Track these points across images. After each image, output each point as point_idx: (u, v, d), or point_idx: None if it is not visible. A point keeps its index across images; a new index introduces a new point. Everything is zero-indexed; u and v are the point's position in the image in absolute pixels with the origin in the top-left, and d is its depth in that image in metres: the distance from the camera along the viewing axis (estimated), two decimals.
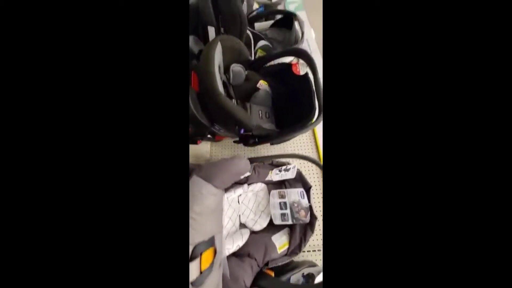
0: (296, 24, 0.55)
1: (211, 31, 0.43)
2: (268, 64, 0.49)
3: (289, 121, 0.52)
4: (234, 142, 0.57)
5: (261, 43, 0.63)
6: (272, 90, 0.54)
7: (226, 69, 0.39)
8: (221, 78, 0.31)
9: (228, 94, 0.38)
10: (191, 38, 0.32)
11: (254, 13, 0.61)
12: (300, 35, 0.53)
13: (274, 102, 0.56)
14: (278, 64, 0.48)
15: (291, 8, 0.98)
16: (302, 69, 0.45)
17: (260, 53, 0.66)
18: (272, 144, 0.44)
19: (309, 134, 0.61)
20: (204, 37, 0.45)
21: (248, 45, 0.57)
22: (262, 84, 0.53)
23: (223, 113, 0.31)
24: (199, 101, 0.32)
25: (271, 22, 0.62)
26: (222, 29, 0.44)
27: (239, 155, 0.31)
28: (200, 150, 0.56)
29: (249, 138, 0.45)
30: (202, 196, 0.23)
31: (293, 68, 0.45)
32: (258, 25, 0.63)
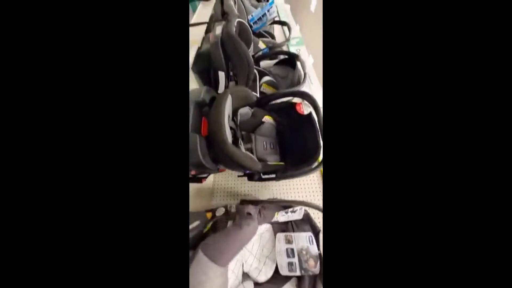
0: (298, 64, 0.60)
1: (221, 75, 0.46)
2: (273, 101, 0.52)
3: (294, 153, 0.52)
4: (239, 176, 0.57)
5: (266, 78, 0.68)
6: (277, 123, 0.56)
7: (235, 113, 0.41)
8: (229, 126, 0.32)
9: (235, 136, 0.39)
10: (204, 88, 0.35)
11: (260, 53, 0.66)
12: (303, 76, 0.56)
13: (278, 133, 0.57)
14: (282, 102, 0.51)
15: (292, 42, 1.08)
16: (305, 108, 0.47)
17: (264, 87, 0.71)
18: (277, 180, 0.43)
19: (317, 174, 0.60)
20: (215, 80, 0.48)
21: (254, 80, 0.61)
22: (267, 119, 0.55)
23: (230, 160, 0.31)
24: (206, 146, 0.33)
25: (275, 61, 0.68)
26: (231, 73, 0.48)
27: (248, 221, 0.29)
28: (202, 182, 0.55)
29: (254, 174, 0.45)
30: (208, 279, 0.21)
31: (297, 108, 0.47)
32: (263, 63, 0.69)
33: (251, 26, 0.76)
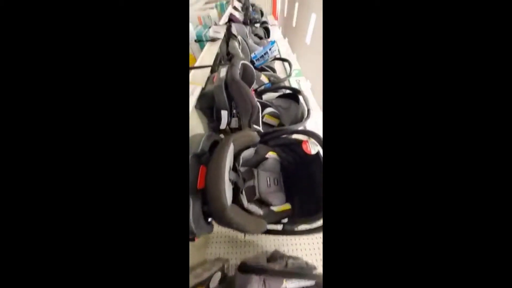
0: (301, 99, 0.60)
1: (224, 113, 0.46)
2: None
3: (301, 193, 0.47)
4: None
5: (268, 110, 0.68)
6: (281, 159, 0.53)
7: (236, 157, 0.38)
8: (230, 178, 0.28)
9: (236, 185, 0.34)
10: (205, 135, 0.32)
11: (262, 87, 0.68)
12: (306, 111, 0.56)
13: (283, 168, 0.53)
14: (287, 138, 0.49)
15: (293, 74, 1.15)
16: (312, 147, 0.44)
17: (267, 118, 0.71)
18: (284, 234, 0.37)
19: None
20: (217, 117, 0.47)
21: (257, 113, 0.61)
22: (271, 154, 0.52)
23: (229, 224, 0.26)
24: (202, 200, 0.28)
25: (278, 93, 0.69)
26: (234, 111, 0.47)
27: None
28: None
29: None
30: None
31: (303, 146, 0.45)
32: (266, 96, 0.70)
33: (253, 63, 0.81)
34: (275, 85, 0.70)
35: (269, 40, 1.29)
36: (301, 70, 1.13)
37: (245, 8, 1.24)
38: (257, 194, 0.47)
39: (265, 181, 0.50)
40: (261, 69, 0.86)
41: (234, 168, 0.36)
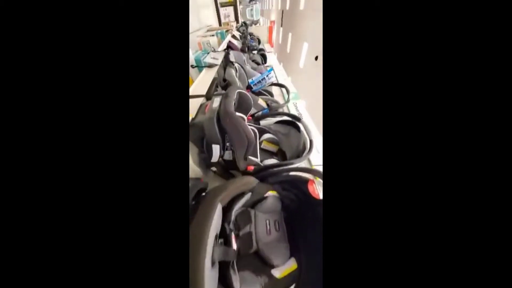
0: (302, 127, 0.56)
1: (216, 148, 0.40)
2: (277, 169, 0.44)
3: (309, 244, 0.38)
4: None
5: (266, 136, 0.64)
6: (282, 196, 0.45)
7: (227, 213, 0.30)
8: (214, 255, 0.20)
9: (225, 262, 0.25)
10: (190, 182, 0.26)
11: (260, 113, 0.65)
12: (309, 142, 0.51)
13: (284, 206, 0.45)
14: (289, 175, 0.42)
15: (290, 97, 1.17)
16: (320, 189, 0.37)
17: (265, 144, 0.66)
18: None
19: None
20: (208, 151, 0.41)
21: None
22: (270, 193, 0.44)
23: None
24: None
25: (276, 119, 0.66)
26: (227, 144, 0.42)
27: None
28: None
29: None
30: None
31: (309, 188, 0.38)
32: (264, 121, 0.66)
33: (251, 87, 0.80)
34: (273, 111, 0.67)
35: (266, 65, 1.35)
36: (297, 93, 1.14)
37: (243, 37, 1.33)
38: (254, 244, 0.38)
39: (264, 225, 0.42)
40: (259, 93, 0.85)
41: (223, 232, 0.28)
